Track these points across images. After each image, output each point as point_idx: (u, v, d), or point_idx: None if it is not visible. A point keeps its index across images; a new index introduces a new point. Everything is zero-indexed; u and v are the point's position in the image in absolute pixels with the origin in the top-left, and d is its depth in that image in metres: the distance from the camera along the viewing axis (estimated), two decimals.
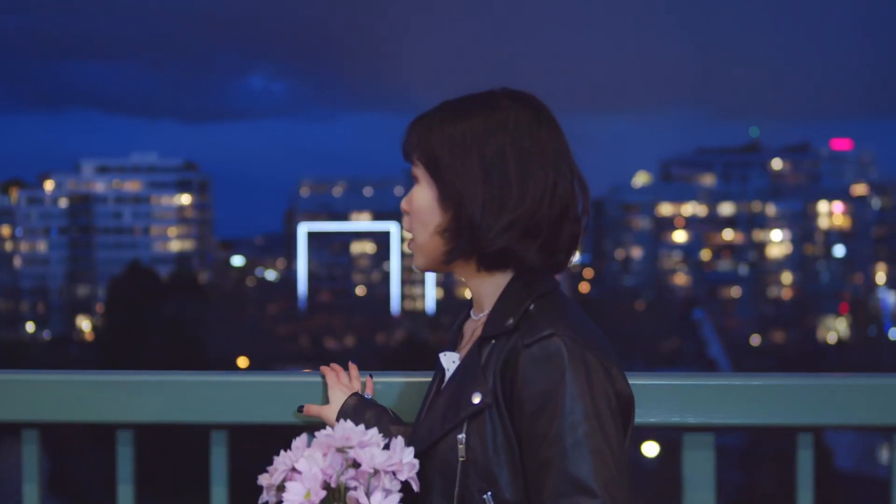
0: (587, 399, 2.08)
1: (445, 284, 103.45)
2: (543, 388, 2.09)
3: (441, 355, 2.33)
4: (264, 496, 2.16)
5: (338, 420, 2.58)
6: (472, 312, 2.35)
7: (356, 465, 2.08)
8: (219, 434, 2.98)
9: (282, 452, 2.12)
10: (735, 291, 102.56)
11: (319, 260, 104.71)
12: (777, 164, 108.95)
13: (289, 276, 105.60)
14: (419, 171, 2.28)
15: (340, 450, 2.09)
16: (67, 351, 73.93)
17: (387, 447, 2.12)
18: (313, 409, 2.74)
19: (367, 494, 2.07)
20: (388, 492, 2.08)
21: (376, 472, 2.07)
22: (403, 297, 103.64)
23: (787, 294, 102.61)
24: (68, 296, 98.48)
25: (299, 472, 2.08)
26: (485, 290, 2.28)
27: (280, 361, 67.63)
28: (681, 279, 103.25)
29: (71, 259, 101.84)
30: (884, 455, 44.37)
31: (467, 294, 2.39)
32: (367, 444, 2.09)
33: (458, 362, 2.29)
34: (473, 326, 2.32)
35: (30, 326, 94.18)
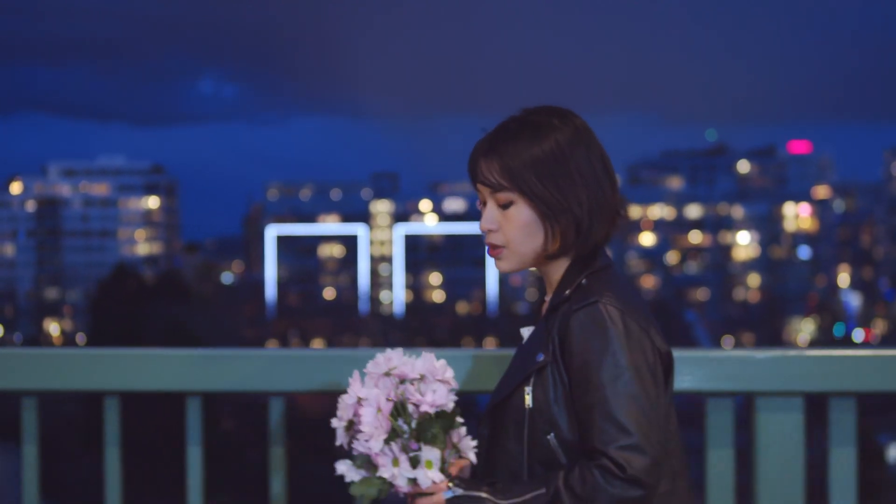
0: (626, 353, 2.50)
1: (414, 287, 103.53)
2: (589, 345, 2.52)
3: (522, 330, 2.77)
4: (339, 438, 2.55)
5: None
6: (545, 297, 2.76)
7: (403, 380, 2.54)
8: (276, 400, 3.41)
9: (342, 395, 2.53)
10: (702, 294, 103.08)
11: (287, 263, 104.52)
12: (743, 166, 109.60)
13: (250, 279, 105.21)
14: (511, 196, 2.63)
15: (387, 373, 2.54)
16: None
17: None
18: None
19: (422, 393, 2.53)
20: (436, 388, 2.52)
21: (422, 377, 2.54)
22: (372, 299, 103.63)
23: (754, 296, 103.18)
24: (36, 299, 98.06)
25: (365, 399, 2.50)
26: (555, 274, 2.70)
27: None
28: (648, 282, 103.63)
29: (39, 262, 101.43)
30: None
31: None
32: (407, 360, 2.55)
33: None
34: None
35: None
